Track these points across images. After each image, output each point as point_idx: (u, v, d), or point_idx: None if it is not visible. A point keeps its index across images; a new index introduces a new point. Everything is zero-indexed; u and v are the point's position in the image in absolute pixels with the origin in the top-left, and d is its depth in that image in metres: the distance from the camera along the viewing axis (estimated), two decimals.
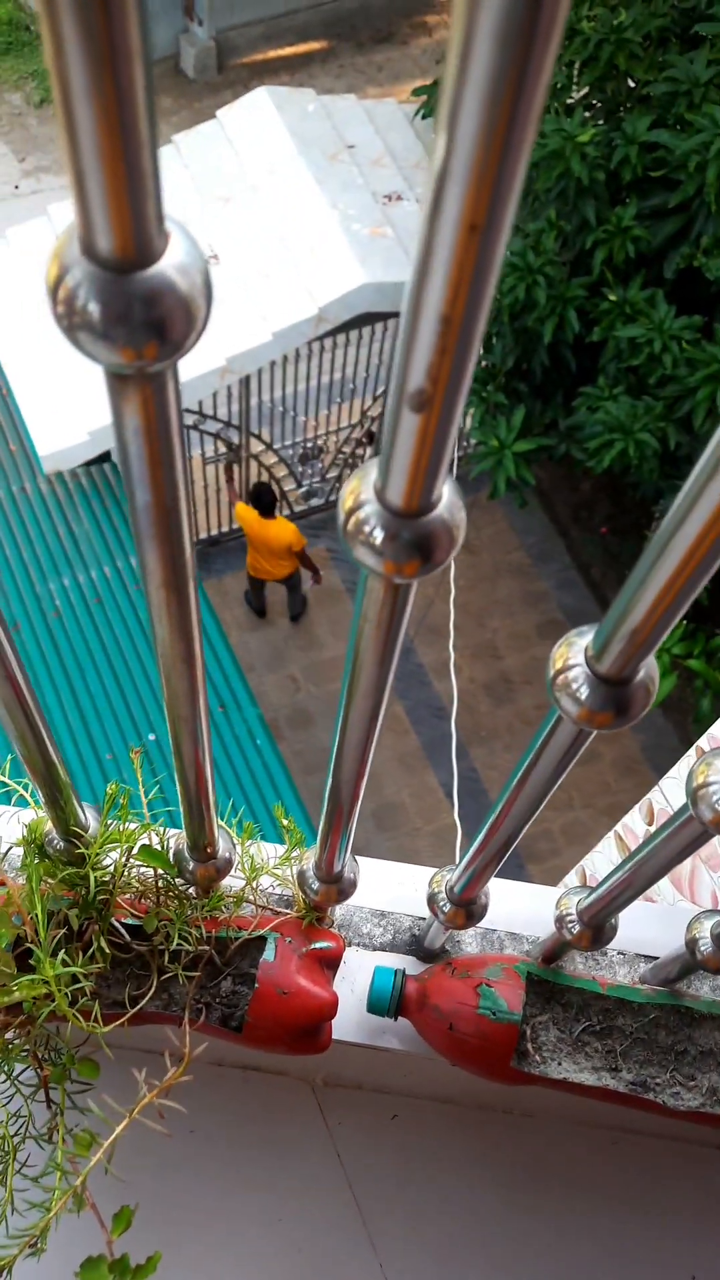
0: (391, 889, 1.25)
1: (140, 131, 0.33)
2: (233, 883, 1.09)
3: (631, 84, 5.79)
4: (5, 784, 1.03)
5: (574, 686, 0.59)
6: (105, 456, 6.56)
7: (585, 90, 5.92)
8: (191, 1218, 1.34)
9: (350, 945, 1.21)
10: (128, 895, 1.03)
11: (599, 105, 5.98)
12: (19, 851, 1.00)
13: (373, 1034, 1.18)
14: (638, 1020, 1.09)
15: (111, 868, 1.00)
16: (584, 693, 0.59)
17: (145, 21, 0.31)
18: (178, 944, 1.02)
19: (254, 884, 1.09)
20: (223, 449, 7.34)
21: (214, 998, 1.06)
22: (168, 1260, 0.92)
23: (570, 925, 1.00)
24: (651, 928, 1.18)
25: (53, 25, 0.30)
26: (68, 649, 5.99)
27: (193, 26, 10.58)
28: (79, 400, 6.16)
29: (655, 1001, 1.09)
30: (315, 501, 8.08)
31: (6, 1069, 0.99)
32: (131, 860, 1.00)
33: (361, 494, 0.48)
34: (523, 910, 1.22)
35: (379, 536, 0.48)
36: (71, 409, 6.20)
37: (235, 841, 1.05)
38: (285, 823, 1.11)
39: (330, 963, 1.08)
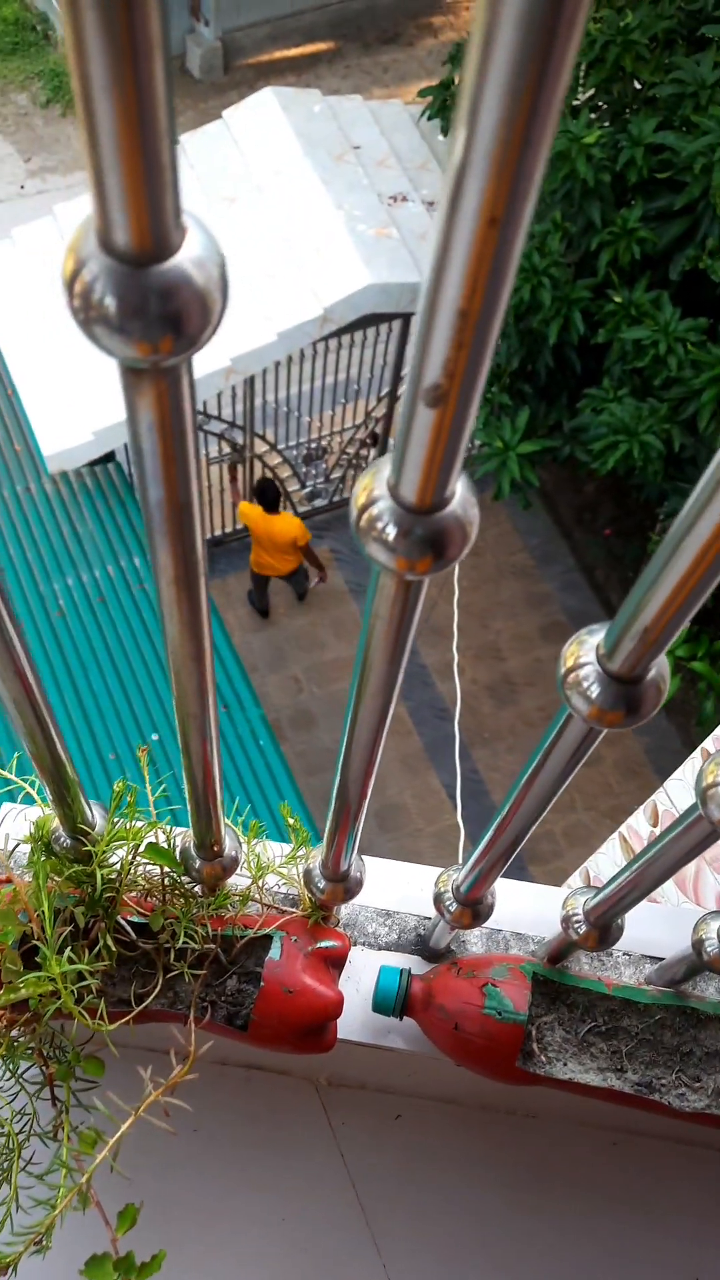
0: (397, 888, 1.25)
1: (159, 124, 0.33)
2: (238, 881, 1.09)
3: (638, 86, 5.79)
4: (12, 781, 1.03)
5: (585, 685, 0.59)
6: (109, 456, 6.56)
7: (591, 92, 5.93)
8: (195, 1217, 1.33)
9: (355, 944, 1.21)
10: (134, 893, 1.03)
11: (605, 107, 5.98)
12: (26, 849, 1.00)
13: (378, 1033, 1.18)
14: (643, 1021, 1.09)
15: (118, 865, 1.00)
16: (595, 691, 0.59)
17: (165, 14, 0.31)
18: (183, 942, 1.01)
19: (260, 883, 1.09)
20: (227, 449, 7.34)
21: (219, 996, 1.06)
22: (171, 1259, 0.92)
23: (577, 925, 1.00)
24: (657, 929, 1.18)
25: (74, 18, 0.30)
26: (71, 648, 5.99)
27: (199, 27, 10.59)
28: (83, 400, 6.16)
29: (661, 1003, 1.09)
30: (319, 502, 8.08)
31: (12, 1066, 0.99)
32: (138, 858, 1.00)
33: (374, 490, 0.48)
34: (528, 910, 1.22)
35: (392, 533, 0.48)
36: (76, 409, 6.20)
37: (241, 840, 1.04)
38: (291, 821, 1.11)
39: (336, 962, 1.08)
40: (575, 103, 5.96)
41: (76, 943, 0.98)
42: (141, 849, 0.99)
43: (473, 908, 1.02)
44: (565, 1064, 1.07)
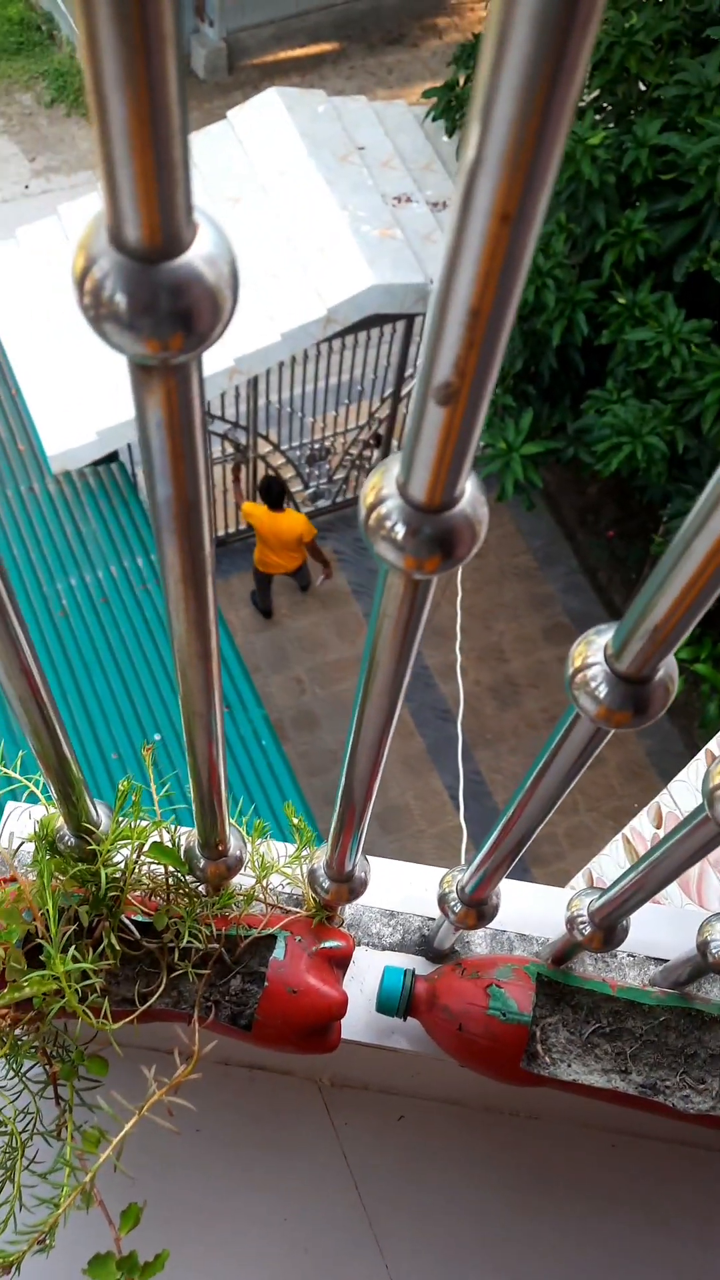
0: (401, 889, 1.25)
1: (172, 120, 0.33)
2: (242, 881, 1.08)
3: (642, 87, 5.79)
4: (17, 780, 1.02)
5: (593, 685, 0.59)
6: (113, 456, 6.56)
7: (596, 93, 5.93)
8: (197, 1217, 1.33)
9: (360, 945, 1.21)
10: (138, 892, 1.03)
11: (610, 108, 5.98)
12: (30, 847, 1.00)
13: (381, 1034, 1.18)
14: (648, 1023, 1.09)
15: (122, 864, 1.00)
16: (603, 691, 0.59)
17: (179, 10, 0.31)
18: (188, 941, 1.01)
19: (264, 882, 1.09)
20: (230, 449, 7.34)
21: (223, 996, 1.06)
22: (173, 1259, 0.92)
23: (581, 926, 1.00)
24: (662, 930, 1.18)
25: (87, 13, 0.30)
26: (74, 648, 5.99)
27: (204, 27, 10.60)
28: (87, 400, 6.16)
29: (665, 1004, 1.09)
30: (322, 503, 8.08)
31: (15, 1065, 0.99)
32: (142, 857, 1.00)
33: (383, 489, 0.48)
34: (533, 911, 1.22)
35: (400, 532, 0.48)
36: (80, 409, 6.20)
37: (245, 840, 1.04)
38: (295, 821, 1.10)
39: (340, 962, 1.08)
40: (580, 104, 5.95)
41: (81, 942, 0.98)
42: (146, 848, 0.99)
43: (477, 908, 1.02)
44: (569, 1065, 1.07)
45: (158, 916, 1.01)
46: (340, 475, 8.01)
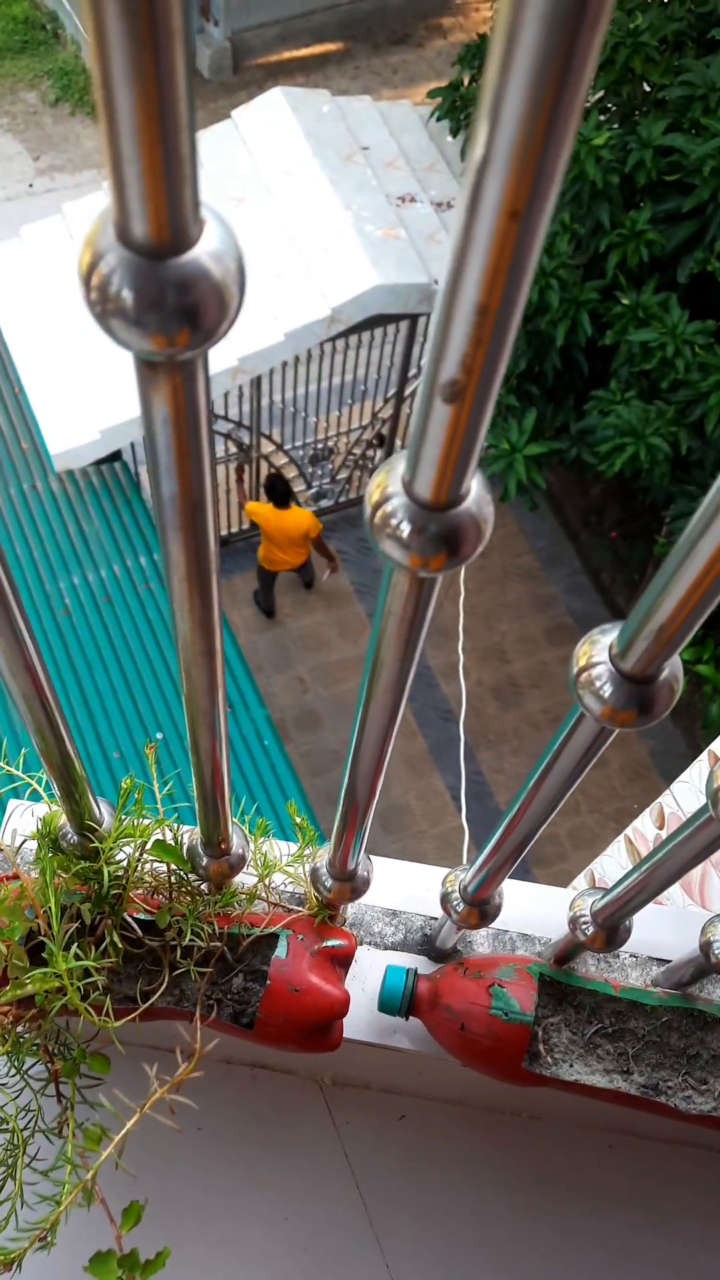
0: (404, 888, 1.25)
1: (179, 116, 0.33)
2: (245, 879, 1.08)
3: (647, 88, 5.79)
4: (19, 777, 1.03)
5: (597, 684, 0.59)
6: (116, 455, 6.57)
7: (601, 94, 5.93)
8: (198, 1215, 1.33)
9: (362, 944, 1.21)
10: (140, 890, 1.03)
11: (614, 109, 5.98)
12: (33, 845, 1.00)
13: (383, 1033, 1.18)
14: (650, 1023, 1.09)
15: (125, 862, 1.00)
16: (607, 690, 0.59)
17: (187, 4, 0.31)
18: (190, 940, 1.01)
19: (267, 881, 1.09)
20: (233, 449, 7.35)
21: (225, 994, 1.06)
22: (175, 1257, 0.92)
23: (584, 926, 1.00)
24: (664, 931, 1.18)
25: (96, 6, 0.30)
26: (77, 647, 6.00)
27: (209, 27, 10.60)
28: (90, 399, 6.17)
29: (668, 1005, 1.09)
30: (325, 503, 8.08)
31: (17, 1063, 0.99)
32: (145, 855, 1.00)
33: (389, 487, 0.48)
34: (535, 911, 1.22)
35: (406, 530, 0.48)
36: (83, 407, 6.21)
37: (248, 838, 1.04)
38: (298, 820, 1.10)
39: (342, 961, 1.08)
40: (585, 105, 5.94)
41: (83, 939, 0.98)
42: (149, 846, 0.99)
43: (480, 908, 1.02)
44: (571, 1065, 1.07)
45: (160, 914, 1.01)
46: (343, 475, 8.01)
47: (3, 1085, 0.99)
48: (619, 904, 0.94)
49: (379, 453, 7.93)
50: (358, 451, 7.89)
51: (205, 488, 0.51)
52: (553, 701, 7.46)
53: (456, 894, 1.02)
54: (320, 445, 7.86)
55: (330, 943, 1.07)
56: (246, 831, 1.04)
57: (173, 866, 1.02)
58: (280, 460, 7.61)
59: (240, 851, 1.01)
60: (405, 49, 11.14)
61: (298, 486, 7.82)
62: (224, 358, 6.23)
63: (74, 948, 0.95)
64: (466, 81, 6.65)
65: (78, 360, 6.19)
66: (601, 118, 5.86)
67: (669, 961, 1.15)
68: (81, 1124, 0.95)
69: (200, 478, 0.50)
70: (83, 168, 10.23)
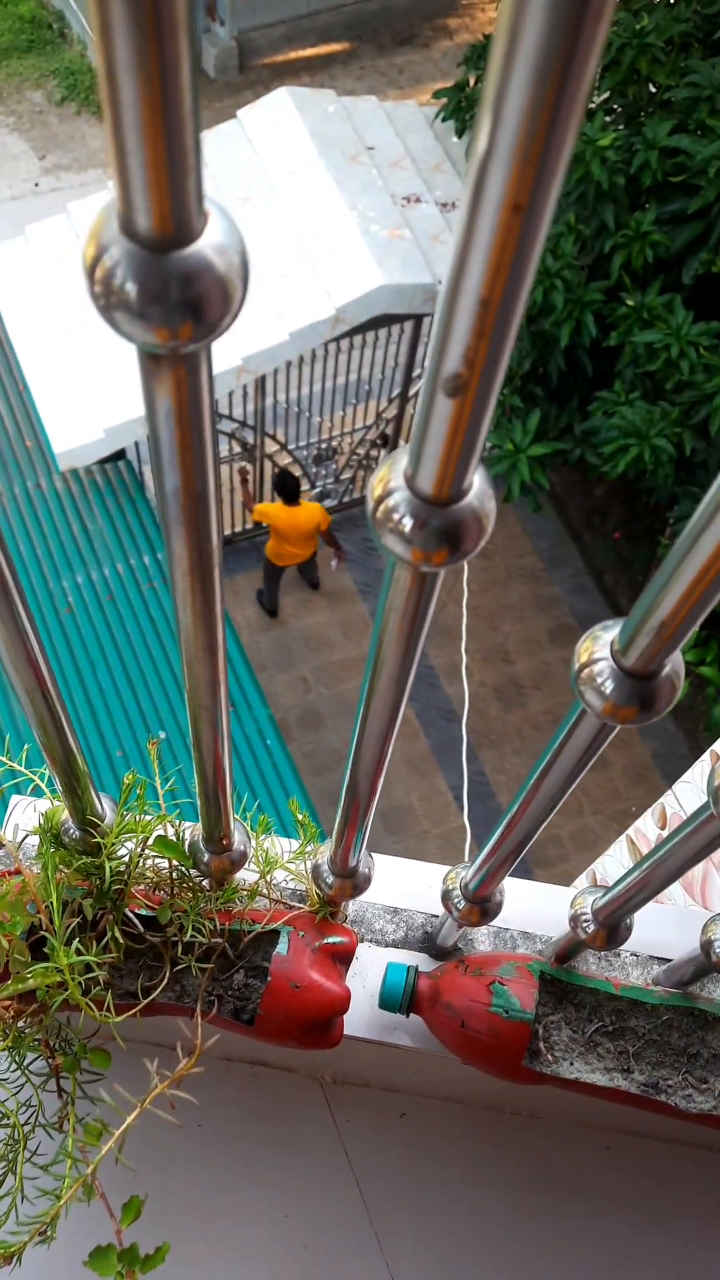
0: (405, 886, 1.25)
1: (184, 107, 0.33)
2: (246, 876, 1.09)
3: (653, 89, 5.79)
4: (22, 773, 1.03)
5: (599, 680, 0.59)
6: (120, 454, 6.57)
7: (606, 95, 5.93)
8: (198, 1212, 1.34)
9: (363, 941, 1.21)
10: (142, 886, 1.03)
11: (620, 110, 5.98)
12: (35, 840, 1.01)
13: (384, 1030, 1.18)
14: (650, 1022, 1.09)
15: (126, 858, 1.00)
16: (609, 687, 0.59)
17: None
18: (191, 936, 1.01)
19: (268, 877, 1.09)
20: (237, 449, 7.35)
21: (226, 990, 1.06)
22: (174, 1254, 0.92)
23: (585, 924, 1.00)
24: (666, 930, 1.18)
25: None
26: (80, 646, 6.00)
27: (214, 26, 10.61)
28: (95, 398, 6.17)
29: (668, 1003, 1.09)
30: (329, 503, 8.08)
31: (18, 1058, 0.99)
32: (146, 851, 1.00)
33: (391, 481, 0.48)
34: (536, 909, 1.22)
35: (408, 524, 0.48)
36: (87, 406, 6.21)
37: (250, 835, 1.04)
38: (300, 817, 1.10)
39: (343, 958, 1.08)
40: (590, 105, 5.96)
41: (84, 934, 0.98)
42: (150, 842, 0.99)
43: (481, 905, 1.02)
44: (572, 1063, 1.07)
45: (161, 910, 1.01)
46: (347, 475, 8.01)
47: (3, 1080, 0.99)
48: (620, 902, 0.94)
49: (383, 453, 7.93)
50: (362, 451, 7.90)
51: (208, 482, 0.51)
52: (555, 702, 7.46)
53: (457, 891, 1.03)
54: (324, 445, 7.86)
55: (331, 939, 1.07)
56: (248, 828, 1.04)
57: (174, 862, 1.02)
58: (284, 460, 7.61)
59: (242, 848, 1.01)
60: (411, 49, 11.14)
61: (302, 486, 7.82)
62: (228, 357, 6.23)
63: (75, 943, 0.95)
64: (472, 82, 6.66)
65: (82, 359, 6.19)
66: (607, 119, 5.86)
67: (670, 960, 1.15)
68: (82, 1119, 0.95)
69: (203, 472, 0.50)
70: (88, 167, 10.24)
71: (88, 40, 10.68)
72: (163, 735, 5.67)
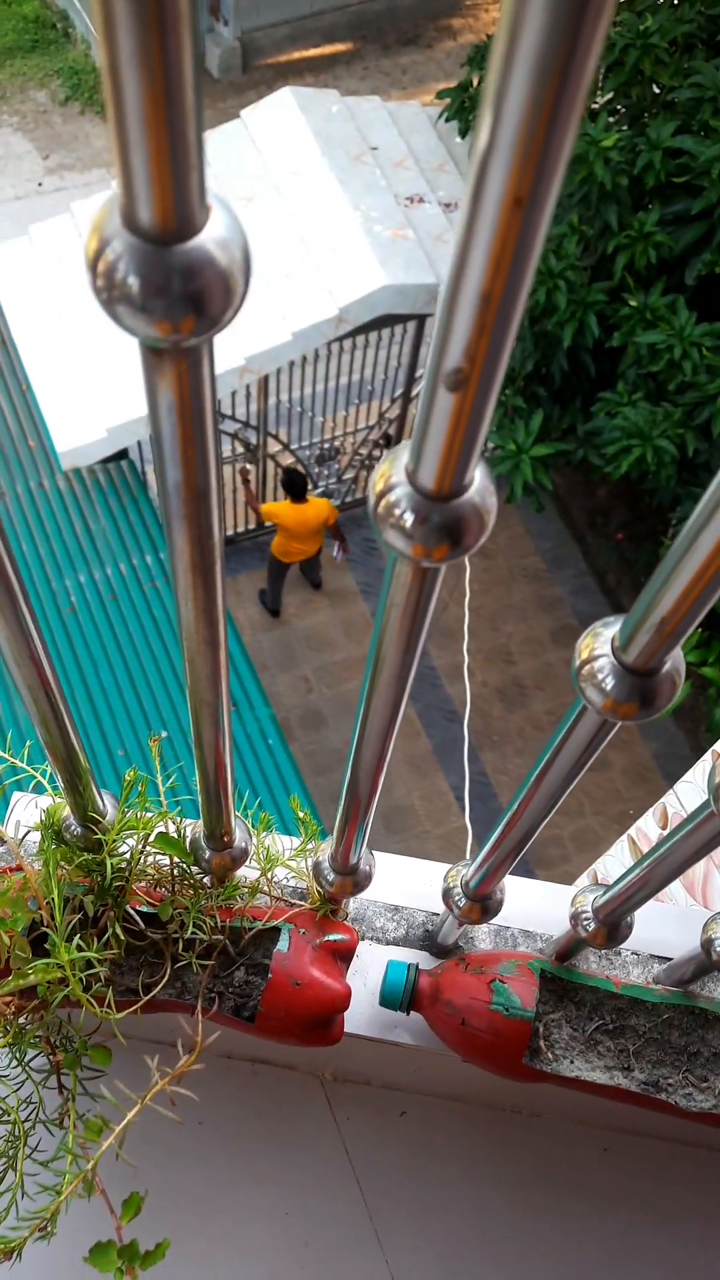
0: (406, 884, 1.25)
1: (186, 100, 0.33)
2: (247, 873, 1.09)
3: (656, 90, 5.79)
4: (24, 769, 1.03)
5: (599, 677, 0.59)
6: (123, 454, 6.57)
7: (610, 95, 5.93)
8: (198, 1209, 1.34)
9: (363, 939, 1.21)
10: (143, 883, 1.04)
11: (624, 110, 5.98)
12: (36, 836, 1.01)
13: (384, 1028, 1.18)
14: (651, 1020, 1.09)
15: (128, 855, 1.00)
16: (609, 683, 0.59)
17: None
18: (192, 932, 1.02)
19: (269, 875, 1.09)
20: (240, 449, 7.35)
21: (227, 987, 1.06)
22: (174, 1251, 0.92)
23: (585, 922, 1.00)
24: (666, 928, 1.18)
25: None
26: (82, 645, 6.01)
27: (218, 26, 10.61)
28: (98, 397, 6.17)
29: (669, 1002, 1.09)
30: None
31: (19, 1054, 0.99)
32: (148, 848, 1.00)
33: (392, 476, 0.48)
34: (537, 908, 1.22)
35: (409, 519, 0.48)
36: (90, 406, 6.22)
37: (251, 832, 1.05)
38: (301, 815, 1.11)
39: (344, 955, 1.08)
40: (594, 106, 5.96)
41: (85, 931, 0.98)
42: (152, 838, 0.99)
43: (482, 903, 1.02)
44: (572, 1061, 1.07)
45: (162, 907, 1.01)
46: (349, 475, 8.01)
47: (4, 1077, 0.99)
48: (620, 900, 0.94)
49: (385, 453, 7.93)
50: (364, 451, 7.90)
51: (210, 476, 0.51)
52: (557, 703, 7.45)
53: (458, 889, 1.03)
54: (327, 445, 7.86)
55: (332, 937, 1.07)
56: (249, 825, 1.05)
57: (175, 859, 1.02)
58: (287, 460, 7.62)
59: (243, 845, 1.01)
60: (415, 50, 11.14)
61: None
62: (231, 357, 6.24)
63: (76, 939, 0.95)
64: (475, 82, 6.66)
65: (85, 358, 6.20)
66: (611, 119, 5.86)
67: (670, 959, 1.15)
68: (82, 1115, 0.96)
69: (205, 466, 0.50)
70: (92, 167, 10.25)
71: (92, 40, 10.69)
72: (164, 735, 5.67)
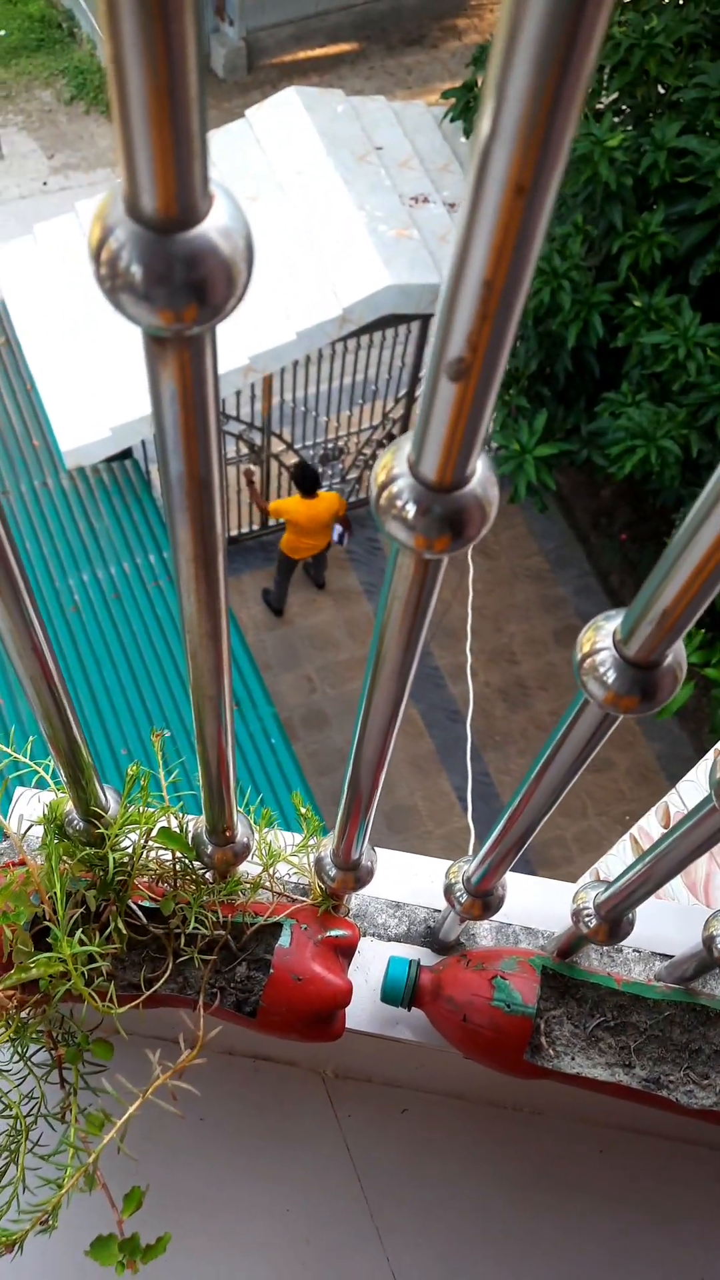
0: (407, 880, 1.25)
1: (189, 88, 0.33)
2: (249, 869, 1.09)
3: (661, 90, 5.79)
4: (26, 764, 1.03)
5: (601, 670, 0.59)
6: (127, 453, 6.58)
7: (615, 95, 5.93)
8: (199, 1206, 1.34)
9: (365, 935, 1.21)
10: (145, 878, 1.04)
11: (628, 110, 5.98)
12: (39, 831, 1.01)
13: (386, 1024, 1.18)
14: (652, 1017, 1.09)
15: (130, 849, 1.00)
16: (611, 676, 0.59)
17: None
18: (194, 927, 1.02)
19: (271, 870, 1.09)
20: (244, 450, 7.35)
21: (229, 982, 1.06)
22: (174, 1247, 0.92)
23: (587, 919, 1.00)
24: (668, 926, 1.18)
25: None
26: (85, 644, 6.01)
27: (223, 26, 10.62)
28: (102, 396, 6.18)
29: (670, 999, 1.09)
30: None
31: (21, 1048, 0.99)
32: (150, 843, 1.00)
33: (394, 468, 0.48)
34: (539, 905, 1.22)
35: (411, 511, 0.48)
36: (94, 405, 6.22)
37: (253, 828, 1.05)
38: (303, 811, 1.11)
39: (345, 951, 1.08)
40: (599, 106, 5.96)
41: (88, 925, 0.99)
42: (154, 833, 0.99)
43: (483, 899, 1.02)
44: (573, 1058, 1.07)
45: (165, 902, 1.02)
46: (353, 475, 8.01)
47: (6, 1071, 0.99)
48: (622, 896, 0.94)
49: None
50: (368, 451, 7.90)
51: (212, 467, 0.51)
52: (560, 703, 7.45)
53: (460, 885, 1.03)
54: (331, 445, 7.86)
55: (334, 932, 1.08)
56: (251, 821, 1.05)
57: (178, 854, 1.02)
58: (291, 460, 7.62)
59: (245, 840, 1.01)
60: (420, 50, 11.14)
61: None
62: (235, 356, 6.24)
63: (79, 934, 0.95)
64: (480, 82, 6.65)
65: (89, 358, 6.20)
66: (616, 119, 5.86)
67: (672, 957, 1.15)
68: (84, 1109, 0.96)
69: (207, 457, 0.50)
70: (96, 166, 10.26)
71: (97, 39, 10.70)
72: (167, 733, 5.67)
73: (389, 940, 1.22)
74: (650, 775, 7.28)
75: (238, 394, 6.75)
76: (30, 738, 1.04)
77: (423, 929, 1.23)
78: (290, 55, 10.90)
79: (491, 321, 0.38)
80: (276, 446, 7.47)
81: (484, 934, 1.21)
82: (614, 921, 0.99)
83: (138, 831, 1.00)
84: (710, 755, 2.04)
